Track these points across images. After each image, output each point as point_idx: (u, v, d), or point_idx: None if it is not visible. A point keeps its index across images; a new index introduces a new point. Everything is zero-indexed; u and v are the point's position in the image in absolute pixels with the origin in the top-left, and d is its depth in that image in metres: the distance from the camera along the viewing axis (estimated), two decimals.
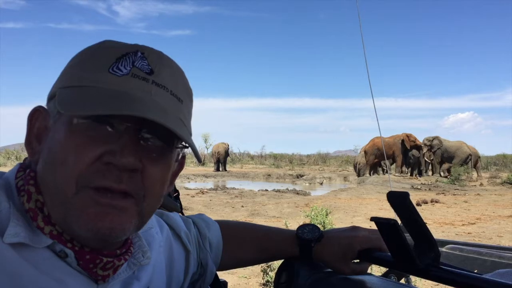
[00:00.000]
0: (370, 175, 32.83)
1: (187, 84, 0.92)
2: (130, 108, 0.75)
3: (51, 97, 0.85)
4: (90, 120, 0.77)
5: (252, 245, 1.29)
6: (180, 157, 0.94)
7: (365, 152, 34.27)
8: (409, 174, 33.59)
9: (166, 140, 0.83)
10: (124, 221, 0.79)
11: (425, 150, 33.60)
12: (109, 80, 0.79)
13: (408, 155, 33.23)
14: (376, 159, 33.82)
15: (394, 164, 34.34)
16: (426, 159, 34.09)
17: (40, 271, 0.76)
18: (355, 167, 36.00)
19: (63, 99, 0.79)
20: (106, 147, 0.76)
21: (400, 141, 33.29)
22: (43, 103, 0.88)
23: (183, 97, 0.87)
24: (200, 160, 0.93)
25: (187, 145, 0.85)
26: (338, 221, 11.43)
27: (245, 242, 1.29)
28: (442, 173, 33.72)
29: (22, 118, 0.89)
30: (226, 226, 1.30)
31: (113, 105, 0.75)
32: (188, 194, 19.15)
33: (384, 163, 33.02)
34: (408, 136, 33.52)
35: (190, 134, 0.89)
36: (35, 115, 0.87)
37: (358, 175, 33.87)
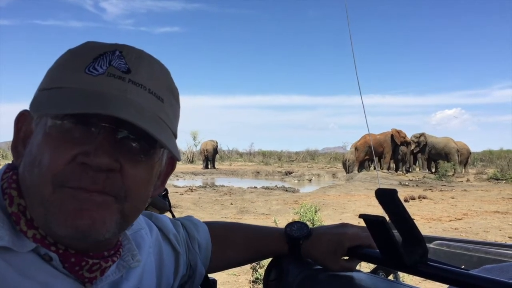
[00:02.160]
0: (358, 171, 33.01)
1: (171, 83, 0.89)
2: (102, 107, 0.73)
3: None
4: (66, 121, 0.75)
5: (241, 245, 1.29)
6: (169, 157, 0.92)
7: (356, 148, 34.39)
8: (395, 170, 33.85)
9: (145, 140, 0.79)
10: (105, 216, 0.76)
11: (413, 146, 33.92)
12: (85, 80, 0.77)
13: (398, 151, 33.50)
14: (366, 155, 33.99)
15: (382, 160, 34.57)
16: (418, 156, 34.50)
17: (25, 275, 0.74)
18: (344, 164, 36.14)
19: (35, 101, 0.79)
20: (80, 148, 0.75)
21: (390, 137, 33.53)
22: (29, 101, 0.86)
23: (164, 96, 0.84)
24: (179, 159, 0.89)
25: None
26: (327, 217, 11.50)
27: (234, 242, 1.29)
28: (428, 170, 34.12)
29: (7, 116, 0.89)
30: (214, 227, 1.30)
31: (84, 104, 0.73)
32: (177, 192, 19.10)
33: (373, 160, 33.28)
34: (398, 132, 33.77)
35: (174, 135, 0.87)
36: (21, 119, 0.86)
37: (347, 172, 34.03)
